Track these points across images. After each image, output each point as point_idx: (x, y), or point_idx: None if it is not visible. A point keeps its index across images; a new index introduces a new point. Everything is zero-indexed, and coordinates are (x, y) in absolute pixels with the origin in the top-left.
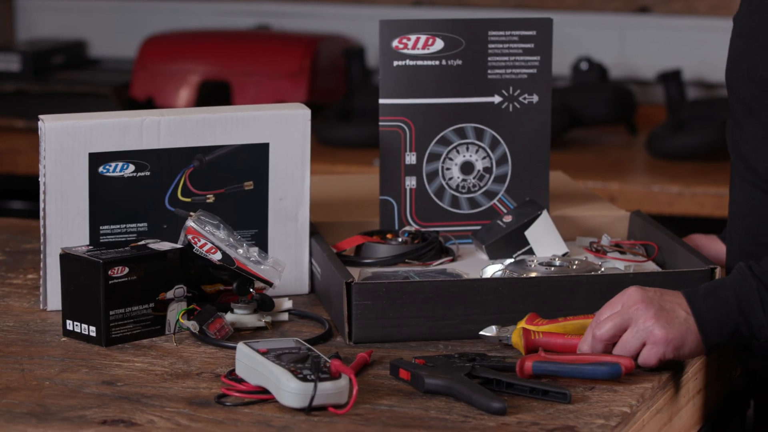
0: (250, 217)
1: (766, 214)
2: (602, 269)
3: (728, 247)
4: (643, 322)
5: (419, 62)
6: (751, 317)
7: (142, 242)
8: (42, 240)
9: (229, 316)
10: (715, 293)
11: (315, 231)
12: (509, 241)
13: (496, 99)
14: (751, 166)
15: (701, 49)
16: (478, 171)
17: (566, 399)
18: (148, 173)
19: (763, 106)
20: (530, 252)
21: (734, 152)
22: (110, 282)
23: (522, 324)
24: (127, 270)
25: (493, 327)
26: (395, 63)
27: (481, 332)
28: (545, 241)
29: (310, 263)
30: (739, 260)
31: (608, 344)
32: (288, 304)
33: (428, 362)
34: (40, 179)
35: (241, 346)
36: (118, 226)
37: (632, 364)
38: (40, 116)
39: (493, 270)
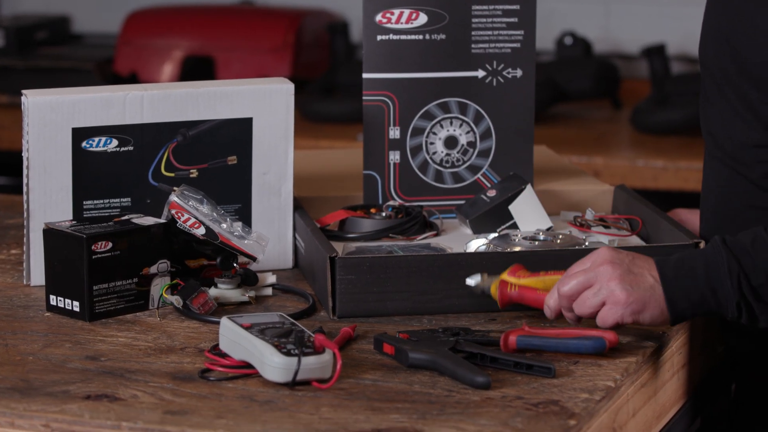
0: (233, 192)
1: (734, 192)
2: (586, 243)
3: (701, 223)
4: (606, 282)
5: (403, 36)
6: (719, 290)
7: (126, 217)
8: (25, 215)
9: (212, 291)
10: (685, 262)
11: (299, 205)
12: (493, 216)
13: (480, 73)
14: (719, 144)
15: (685, 24)
16: (462, 145)
17: (551, 373)
18: (131, 148)
19: (732, 83)
20: (514, 226)
21: (705, 129)
22: (94, 257)
23: (504, 275)
24: (110, 245)
25: (479, 275)
26: (379, 37)
27: (467, 279)
28: (529, 215)
29: (294, 238)
30: (710, 236)
31: (572, 300)
32: (272, 278)
33: (412, 337)
34: (23, 154)
35: (224, 321)
36: (101, 201)
37: (616, 338)
38: (24, 91)
39: (477, 244)
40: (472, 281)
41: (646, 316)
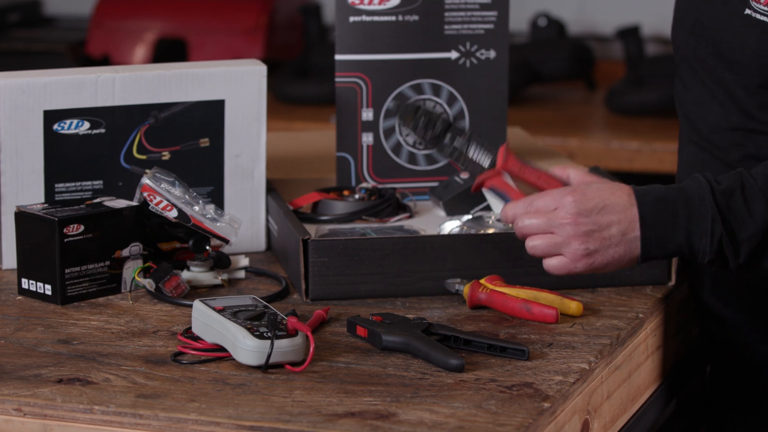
0: (206, 174)
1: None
2: None
3: None
4: (567, 239)
5: (375, 18)
6: (695, 243)
7: (98, 200)
8: None
9: (185, 274)
10: (667, 205)
11: (271, 188)
12: (467, 198)
13: (453, 55)
14: (696, 127)
15: (660, 5)
16: None
17: (524, 356)
18: (103, 130)
19: (707, 66)
20: (488, 208)
21: (681, 112)
22: (65, 240)
23: (481, 280)
24: (82, 228)
25: (458, 279)
26: (351, 19)
27: (447, 281)
28: (503, 197)
29: (267, 220)
30: None
31: (523, 233)
32: (244, 261)
33: (385, 320)
34: None
35: (197, 304)
36: (73, 184)
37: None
38: None
39: (450, 226)
40: (450, 281)
41: (608, 270)
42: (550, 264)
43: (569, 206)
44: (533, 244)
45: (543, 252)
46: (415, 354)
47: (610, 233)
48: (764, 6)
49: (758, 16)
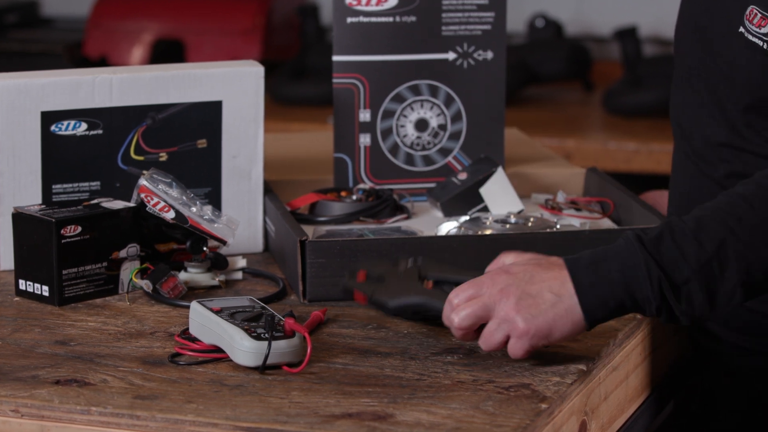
0: (203, 176)
1: (698, 190)
2: (558, 226)
3: (668, 213)
4: (504, 315)
5: (373, 19)
6: (637, 293)
7: (95, 201)
8: None
9: (182, 275)
10: (599, 266)
11: (269, 189)
12: (464, 199)
13: (451, 55)
14: (686, 136)
15: (658, 6)
16: (433, 128)
17: None
18: (100, 131)
19: (703, 75)
20: (485, 209)
21: (673, 118)
22: (63, 241)
23: None
24: (79, 229)
25: None
26: (349, 20)
27: None
28: (500, 198)
29: (264, 221)
30: None
31: (468, 333)
32: (242, 262)
33: (371, 274)
34: None
35: (194, 305)
36: (70, 185)
37: None
38: None
39: (448, 227)
40: None
41: (557, 336)
42: (510, 350)
43: (496, 279)
44: (486, 337)
45: (497, 341)
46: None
47: (543, 298)
48: (756, 27)
49: (750, 37)
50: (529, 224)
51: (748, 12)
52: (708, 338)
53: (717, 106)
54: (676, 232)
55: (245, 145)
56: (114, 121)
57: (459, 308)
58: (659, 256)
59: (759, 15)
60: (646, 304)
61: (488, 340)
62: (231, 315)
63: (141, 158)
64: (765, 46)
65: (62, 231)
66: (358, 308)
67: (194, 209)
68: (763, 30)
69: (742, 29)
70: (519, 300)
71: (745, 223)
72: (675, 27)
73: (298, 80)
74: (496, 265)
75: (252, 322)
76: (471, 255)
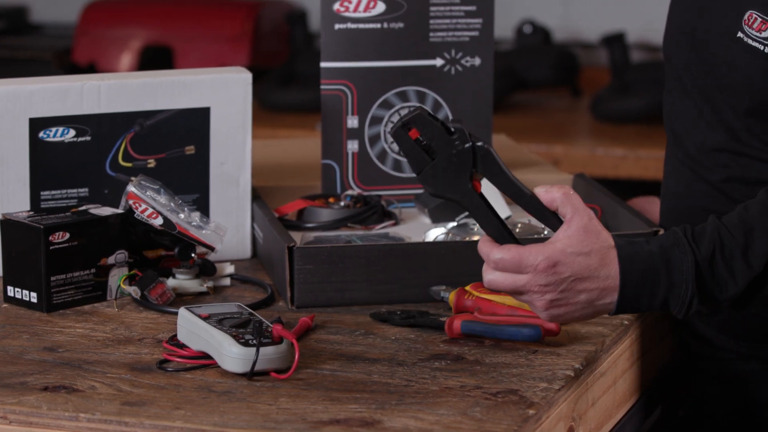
0: (191, 182)
1: (693, 194)
2: (546, 232)
3: (660, 221)
4: (533, 301)
5: (361, 25)
6: (670, 308)
7: (83, 207)
8: None
9: (170, 282)
10: (649, 277)
11: (257, 195)
12: (452, 205)
13: (438, 62)
14: (681, 143)
15: (645, 12)
16: None
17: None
18: (88, 138)
19: (697, 81)
20: None
21: (668, 126)
22: (51, 248)
23: (466, 287)
24: (68, 236)
25: (444, 286)
26: (336, 26)
27: (432, 288)
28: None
29: (252, 228)
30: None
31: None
32: (230, 269)
33: (423, 135)
34: None
35: (182, 311)
36: (59, 192)
37: (558, 327)
38: None
39: (435, 234)
40: (435, 288)
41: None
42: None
43: (543, 274)
44: (504, 288)
45: (510, 293)
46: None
47: (576, 300)
48: (756, 31)
49: (750, 41)
50: (517, 230)
51: (746, 17)
52: (699, 342)
53: (713, 112)
54: (726, 247)
55: (233, 151)
56: (102, 127)
57: (493, 275)
58: (710, 277)
59: (759, 19)
60: (673, 312)
61: (497, 285)
62: (219, 321)
63: (129, 165)
64: (766, 50)
65: (50, 237)
66: (345, 314)
67: (182, 216)
68: (764, 34)
69: (740, 34)
70: (555, 303)
71: None
72: (664, 34)
73: (286, 87)
74: (544, 261)
75: (240, 329)
76: (459, 261)
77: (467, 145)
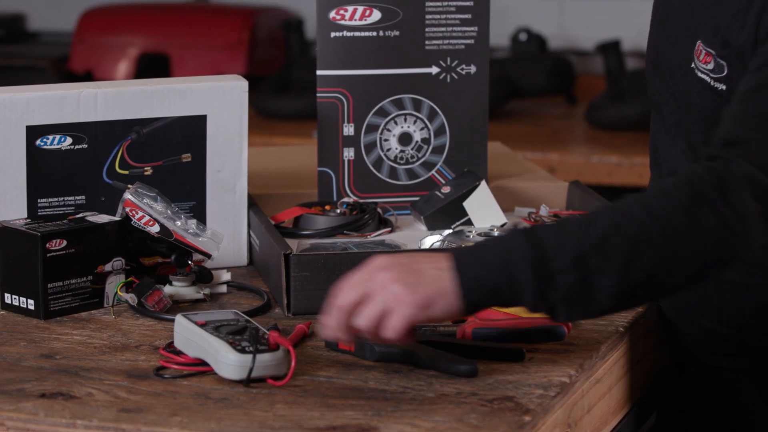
0: (188, 189)
1: None
2: None
3: None
4: (385, 287)
5: (357, 33)
6: (513, 277)
7: (80, 215)
8: None
9: (167, 289)
10: (479, 249)
11: (253, 203)
12: (448, 212)
13: (434, 70)
14: (657, 162)
15: (640, 20)
16: (416, 142)
17: (521, 357)
18: (85, 146)
19: (666, 103)
20: (469, 223)
21: (651, 142)
22: (48, 255)
23: None
24: (65, 243)
25: None
26: (332, 34)
27: None
28: (484, 211)
29: (249, 235)
30: None
31: (349, 314)
32: (226, 276)
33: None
34: None
35: (179, 318)
36: (56, 199)
37: (570, 324)
38: None
39: (431, 241)
40: None
41: (437, 310)
42: (388, 325)
43: (377, 260)
44: (360, 312)
45: (371, 314)
46: (417, 363)
47: (427, 272)
48: (703, 63)
49: (699, 73)
50: None
51: (696, 47)
52: (687, 358)
53: (684, 138)
54: (565, 222)
55: (230, 159)
56: (99, 135)
57: (341, 292)
58: (540, 241)
59: (704, 51)
60: (523, 288)
61: (364, 314)
62: (215, 328)
63: (126, 172)
64: (711, 83)
65: (47, 245)
66: None
67: (179, 223)
68: (708, 66)
69: (693, 65)
70: (400, 274)
71: (633, 222)
72: (645, 57)
73: (283, 94)
74: (366, 264)
75: (236, 336)
76: None
77: None
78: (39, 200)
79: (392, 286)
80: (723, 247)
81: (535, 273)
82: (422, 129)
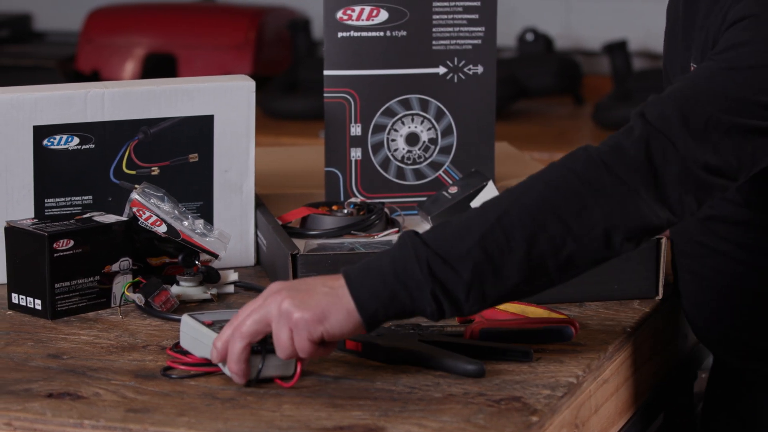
0: (195, 190)
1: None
2: None
3: None
4: (278, 310)
5: (364, 33)
6: (408, 280)
7: (87, 215)
8: None
9: (174, 289)
10: (371, 262)
11: (260, 203)
12: (455, 212)
13: (441, 70)
14: None
15: (647, 20)
16: (424, 142)
17: (528, 357)
18: (92, 146)
19: None
20: None
21: None
22: (55, 255)
23: None
24: (72, 243)
25: None
26: (340, 34)
27: None
28: None
29: (256, 235)
30: None
31: (252, 341)
32: (233, 276)
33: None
34: None
35: (186, 318)
36: (63, 199)
37: (578, 324)
38: None
39: None
40: None
41: (333, 324)
42: (296, 347)
43: (272, 285)
44: (277, 343)
45: (284, 341)
46: (424, 363)
47: (316, 289)
48: None
49: None
50: None
51: (692, 56)
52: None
53: None
54: (451, 220)
55: (237, 159)
56: (106, 135)
57: (241, 320)
58: (432, 239)
59: (693, 66)
60: (419, 291)
61: (279, 341)
62: (222, 328)
63: (133, 172)
64: None
65: (55, 245)
66: None
67: (186, 223)
68: None
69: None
70: (289, 294)
71: (533, 194)
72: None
73: (289, 94)
74: (263, 293)
75: None
76: None
77: None
78: (46, 200)
79: (284, 306)
80: (625, 213)
81: (427, 270)
82: (429, 129)
